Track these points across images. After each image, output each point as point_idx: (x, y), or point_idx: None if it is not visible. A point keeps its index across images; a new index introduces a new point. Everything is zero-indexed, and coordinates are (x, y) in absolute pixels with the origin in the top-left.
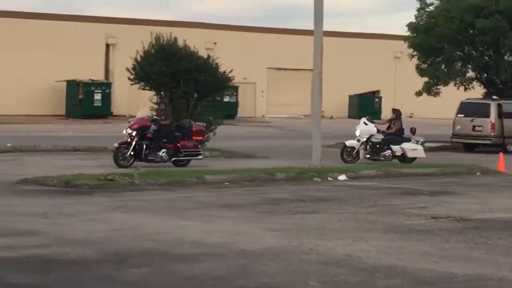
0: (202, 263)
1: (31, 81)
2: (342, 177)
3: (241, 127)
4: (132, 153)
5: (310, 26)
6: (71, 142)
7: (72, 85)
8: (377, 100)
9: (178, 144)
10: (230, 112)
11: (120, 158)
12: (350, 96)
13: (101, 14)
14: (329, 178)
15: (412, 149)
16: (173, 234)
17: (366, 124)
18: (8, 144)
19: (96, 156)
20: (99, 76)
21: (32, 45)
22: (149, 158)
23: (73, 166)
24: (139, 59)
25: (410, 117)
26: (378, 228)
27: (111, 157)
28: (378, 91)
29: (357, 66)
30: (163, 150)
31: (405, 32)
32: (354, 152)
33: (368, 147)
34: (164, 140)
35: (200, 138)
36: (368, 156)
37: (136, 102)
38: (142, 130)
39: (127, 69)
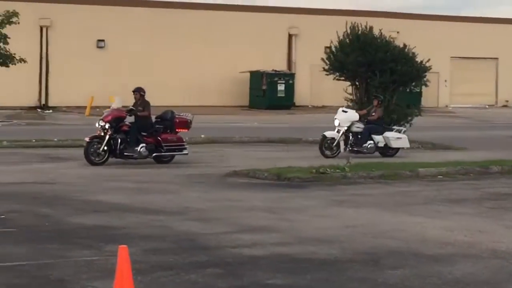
0: (458, 264)
1: (215, 72)
2: None
3: (426, 117)
4: (105, 148)
5: (494, 13)
6: (259, 133)
7: (256, 76)
8: None
9: (159, 138)
10: (413, 102)
11: (92, 154)
12: None
13: (283, 4)
14: None
15: (397, 138)
16: (410, 232)
17: (346, 112)
18: (202, 136)
19: (293, 147)
20: (282, 66)
21: (217, 36)
22: (125, 154)
23: (273, 158)
24: (333, 49)
25: None
26: None
27: (309, 149)
28: None
29: None
30: (141, 145)
31: None
32: (334, 145)
33: (351, 137)
34: (144, 133)
35: (185, 130)
36: (349, 148)
37: (318, 93)
38: (116, 122)
39: (322, 60)
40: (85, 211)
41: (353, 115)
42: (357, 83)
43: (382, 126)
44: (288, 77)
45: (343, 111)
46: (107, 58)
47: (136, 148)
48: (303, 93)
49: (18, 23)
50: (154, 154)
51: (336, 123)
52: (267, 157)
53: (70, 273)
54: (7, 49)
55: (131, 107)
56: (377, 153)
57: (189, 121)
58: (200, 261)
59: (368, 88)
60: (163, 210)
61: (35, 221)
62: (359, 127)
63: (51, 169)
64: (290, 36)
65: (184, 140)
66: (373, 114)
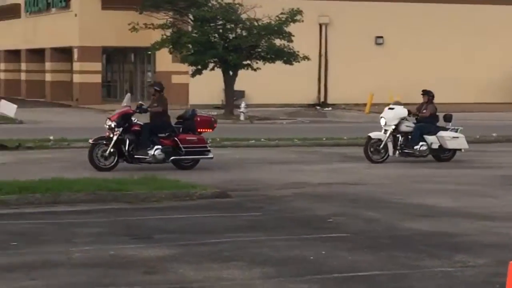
0: None
1: (490, 68)
2: None
3: None
4: (112, 150)
5: None
6: None
7: None
8: None
9: (176, 139)
10: None
11: (98, 157)
12: None
13: None
14: None
15: (453, 137)
16: None
17: (393, 109)
18: (494, 134)
19: None
20: None
21: (491, 31)
22: (136, 156)
23: None
24: None
25: None
26: None
27: None
28: None
29: None
30: (156, 147)
31: None
32: (381, 147)
33: (400, 138)
34: (160, 135)
35: (208, 130)
36: (399, 151)
37: None
38: (124, 120)
39: None
40: (412, 215)
41: (401, 111)
42: None
43: (435, 124)
44: None
45: (389, 108)
46: (386, 55)
47: (150, 151)
48: None
49: (302, 21)
50: (171, 158)
51: (382, 122)
52: None
53: (432, 286)
54: (291, 47)
55: (139, 102)
56: (430, 157)
57: (212, 119)
58: None
59: None
60: (493, 215)
61: (365, 225)
62: (408, 125)
63: (353, 168)
64: None
65: (206, 141)
66: (424, 111)
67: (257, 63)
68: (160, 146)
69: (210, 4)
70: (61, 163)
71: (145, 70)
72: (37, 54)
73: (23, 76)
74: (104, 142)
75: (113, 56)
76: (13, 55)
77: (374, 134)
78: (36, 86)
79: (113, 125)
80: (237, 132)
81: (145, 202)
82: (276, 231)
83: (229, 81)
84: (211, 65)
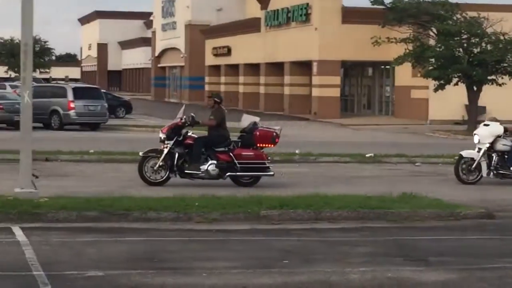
0: None
1: None
2: None
3: None
4: (162, 164)
5: None
6: None
7: None
8: None
9: (231, 154)
10: None
11: (147, 171)
12: None
13: None
14: None
15: None
16: None
17: (488, 125)
18: None
19: None
20: None
21: None
22: (186, 171)
23: None
24: None
25: None
26: None
27: None
28: None
29: None
30: (210, 162)
31: None
32: (474, 167)
33: (494, 157)
34: (218, 149)
35: (270, 145)
36: (494, 171)
37: None
38: (175, 133)
39: None
40: None
41: (497, 128)
42: None
43: None
44: None
45: (484, 125)
46: None
47: (202, 166)
48: None
49: None
50: (227, 174)
51: (476, 139)
52: None
53: None
54: None
55: (191, 114)
56: None
57: (274, 134)
58: None
59: None
60: None
61: None
62: (505, 144)
63: None
64: None
65: (266, 157)
66: None
67: (502, 78)
68: (214, 161)
69: (454, 18)
70: (311, 177)
71: (383, 84)
72: (276, 68)
73: (261, 90)
74: (155, 155)
75: (351, 70)
76: (253, 68)
77: (466, 153)
78: (275, 99)
79: (163, 138)
80: None
81: (408, 221)
82: None
83: (472, 97)
84: (454, 80)
